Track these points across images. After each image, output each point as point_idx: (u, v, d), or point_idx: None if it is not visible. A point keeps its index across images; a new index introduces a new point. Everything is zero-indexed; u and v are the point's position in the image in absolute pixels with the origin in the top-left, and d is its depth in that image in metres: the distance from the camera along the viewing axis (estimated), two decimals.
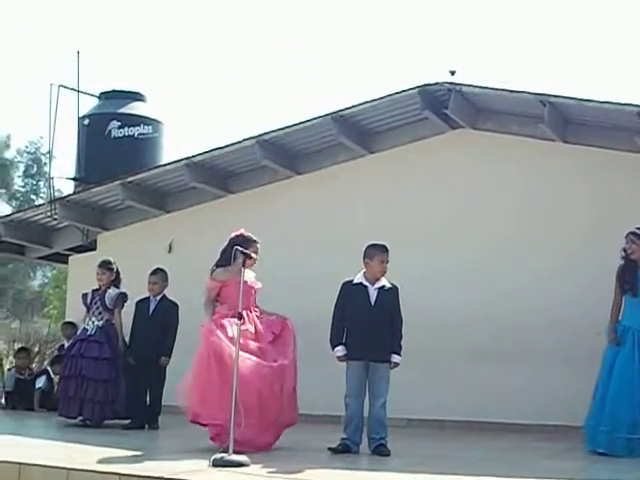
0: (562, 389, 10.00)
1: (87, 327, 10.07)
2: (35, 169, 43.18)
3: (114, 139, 14.27)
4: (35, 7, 57.97)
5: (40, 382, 12.35)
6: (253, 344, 7.99)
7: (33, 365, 14.88)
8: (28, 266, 36.41)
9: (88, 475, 6.14)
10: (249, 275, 8.09)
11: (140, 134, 14.39)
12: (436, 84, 10.82)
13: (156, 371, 10.02)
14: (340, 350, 7.98)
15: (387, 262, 8.05)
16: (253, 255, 7.98)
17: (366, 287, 8.03)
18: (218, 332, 7.89)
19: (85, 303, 10.18)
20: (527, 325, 10.44)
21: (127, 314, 10.20)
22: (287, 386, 8.11)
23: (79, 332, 10.41)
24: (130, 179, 12.40)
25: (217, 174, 12.45)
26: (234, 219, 10.46)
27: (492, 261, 10.86)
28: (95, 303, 10.08)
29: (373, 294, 8.01)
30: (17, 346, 16.15)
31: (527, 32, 57.70)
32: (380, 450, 7.77)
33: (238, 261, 7.86)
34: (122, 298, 10.13)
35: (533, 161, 11.02)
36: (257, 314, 8.35)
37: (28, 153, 43.63)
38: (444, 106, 10.95)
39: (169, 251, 12.77)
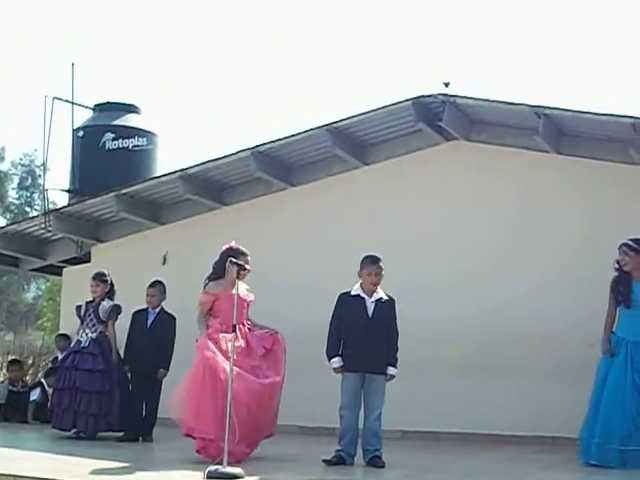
0: (557, 401, 9.99)
1: (81, 339, 10.05)
2: (29, 181, 43.23)
3: (108, 151, 14.25)
4: (30, 19, 58.07)
5: (34, 394, 12.30)
6: (246, 361, 8.00)
7: (27, 377, 14.84)
8: (22, 278, 36.39)
9: None
10: (242, 287, 8.09)
11: (134, 146, 14.37)
12: (430, 96, 10.83)
13: (153, 383, 10.01)
14: (336, 362, 7.98)
15: (377, 274, 8.01)
16: (247, 266, 7.98)
17: (363, 299, 8.03)
18: (212, 347, 7.92)
19: (79, 315, 10.17)
20: (521, 337, 10.43)
21: (121, 326, 10.18)
22: (275, 402, 8.16)
23: (73, 344, 10.39)
24: (124, 191, 12.38)
25: (211, 186, 12.44)
26: (228, 231, 10.46)
27: (486, 273, 10.86)
28: (89, 315, 10.07)
29: (370, 306, 8.02)
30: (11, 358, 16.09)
31: (521, 44, 57.91)
32: (375, 462, 7.76)
33: (232, 271, 7.88)
34: (116, 310, 10.11)
35: (527, 173, 11.03)
36: (249, 327, 8.36)
37: (22, 165, 43.69)
38: (438, 118, 10.96)
39: (163, 263, 12.75)
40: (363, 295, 8.04)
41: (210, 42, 60.63)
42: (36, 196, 41.67)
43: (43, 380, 12.65)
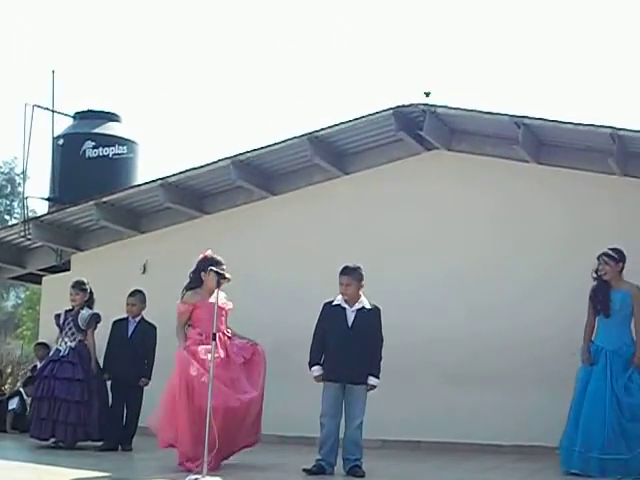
0: (538, 409, 10.02)
1: (60, 348, 10.00)
2: (9, 189, 43.03)
3: (89, 159, 14.21)
4: (9, 26, 57.87)
5: (13, 403, 12.21)
6: (225, 374, 7.98)
7: (5, 386, 14.74)
8: (1, 287, 36.21)
9: None
10: (220, 295, 8.07)
11: (115, 154, 14.34)
12: (411, 105, 10.87)
13: (133, 393, 9.98)
14: (316, 370, 7.99)
15: (347, 285, 7.97)
16: (227, 275, 7.96)
17: (344, 309, 8.02)
18: (191, 360, 7.91)
19: (58, 324, 10.12)
20: (502, 345, 10.46)
21: (100, 335, 10.14)
22: (250, 416, 8.15)
23: (52, 353, 10.33)
24: (104, 199, 12.34)
25: (192, 194, 12.42)
26: (209, 240, 10.45)
27: (467, 282, 10.89)
28: (68, 324, 10.02)
29: (350, 316, 8.00)
30: None
31: (502, 54, 58.19)
32: (355, 471, 7.76)
33: (212, 280, 7.88)
34: (95, 319, 10.07)
35: (507, 182, 11.08)
36: (228, 336, 8.34)
37: (2, 173, 43.49)
38: (419, 127, 11.00)
39: (143, 272, 12.70)
40: (344, 305, 8.03)
41: (189, 53, 60.62)
42: (16, 204, 41.50)
43: (21, 389, 12.57)
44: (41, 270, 14.08)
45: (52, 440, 9.77)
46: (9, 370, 16.21)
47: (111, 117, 14.84)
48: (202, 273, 8.27)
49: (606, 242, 8.63)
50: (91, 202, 12.34)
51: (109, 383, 10.08)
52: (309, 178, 12.11)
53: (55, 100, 14.29)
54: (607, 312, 8.28)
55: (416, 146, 11.39)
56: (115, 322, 10.27)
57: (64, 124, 14.75)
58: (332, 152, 11.68)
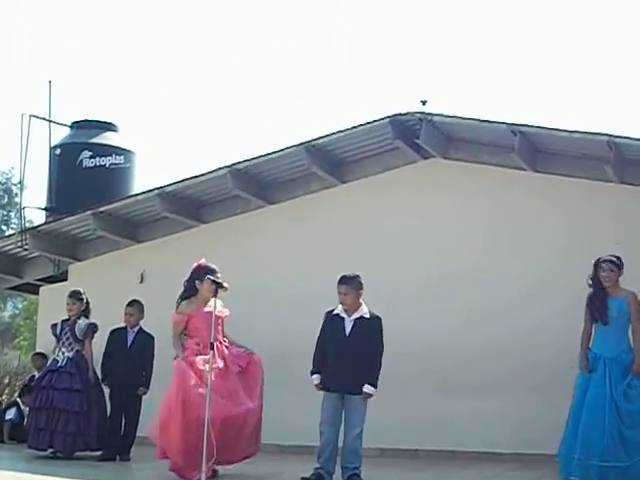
0: (536, 417, 10.00)
1: (57, 358, 10.00)
2: (6, 199, 42.99)
3: (86, 169, 14.21)
4: (6, 36, 57.92)
5: (10, 414, 12.20)
6: (222, 384, 7.97)
7: (3, 397, 14.71)
8: None
9: None
10: (217, 303, 8.06)
11: (112, 164, 14.34)
12: (407, 114, 10.88)
13: (132, 402, 9.98)
14: (316, 378, 8.01)
15: (345, 294, 7.98)
16: (225, 284, 7.96)
17: (343, 318, 8.02)
18: (189, 371, 7.89)
19: (55, 334, 10.12)
20: (499, 352, 10.45)
21: (97, 344, 10.14)
22: (249, 426, 8.13)
23: (49, 363, 10.32)
24: (102, 209, 12.34)
25: (189, 204, 12.42)
26: (207, 249, 10.44)
27: (464, 289, 10.88)
28: (65, 334, 10.02)
29: (348, 325, 8.00)
30: None
31: (498, 62, 58.27)
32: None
33: (208, 289, 7.87)
34: (92, 328, 10.07)
35: (504, 190, 11.08)
36: (226, 344, 8.33)
37: None
38: (415, 136, 11.00)
39: (141, 281, 12.70)
40: (343, 314, 8.04)
41: (186, 64, 60.64)
42: (13, 214, 41.46)
43: (19, 399, 12.56)
44: (38, 280, 14.06)
45: (50, 450, 9.76)
46: (6, 380, 16.21)
47: (108, 127, 14.83)
48: (197, 282, 8.27)
49: (602, 249, 8.64)
50: (88, 212, 12.34)
51: (107, 393, 10.08)
52: (306, 187, 12.11)
53: (52, 110, 14.30)
54: (605, 319, 8.27)
55: (413, 154, 11.40)
56: (113, 331, 10.28)
57: (61, 134, 14.75)
58: (329, 161, 11.69)
